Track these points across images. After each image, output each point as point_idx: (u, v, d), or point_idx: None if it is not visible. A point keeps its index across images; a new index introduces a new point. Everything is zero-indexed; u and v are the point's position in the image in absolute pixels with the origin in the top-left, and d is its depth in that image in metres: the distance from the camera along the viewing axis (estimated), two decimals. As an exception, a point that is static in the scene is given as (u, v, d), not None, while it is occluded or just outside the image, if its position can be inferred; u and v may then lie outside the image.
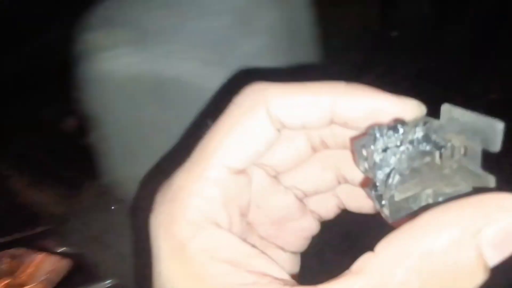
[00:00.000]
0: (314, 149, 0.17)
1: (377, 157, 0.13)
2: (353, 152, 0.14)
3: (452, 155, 0.13)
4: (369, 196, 0.14)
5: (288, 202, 0.17)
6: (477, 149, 0.12)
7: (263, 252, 0.14)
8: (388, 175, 0.13)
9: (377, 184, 0.13)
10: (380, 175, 0.13)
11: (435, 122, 0.13)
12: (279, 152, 0.16)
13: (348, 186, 0.18)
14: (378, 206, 0.13)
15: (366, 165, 0.13)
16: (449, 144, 0.13)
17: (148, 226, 0.14)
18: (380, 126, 0.13)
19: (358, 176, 0.17)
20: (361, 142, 0.13)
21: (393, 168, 0.13)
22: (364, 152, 0.13)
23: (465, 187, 0.13)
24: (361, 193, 0.17)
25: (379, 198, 0.13)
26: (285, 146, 0.16)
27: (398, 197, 0.13)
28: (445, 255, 0.10)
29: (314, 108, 0.14)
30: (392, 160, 0.13)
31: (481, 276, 0.11)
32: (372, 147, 0.13)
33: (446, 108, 0.13)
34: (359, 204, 0.18)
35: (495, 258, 0.11)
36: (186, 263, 0.12)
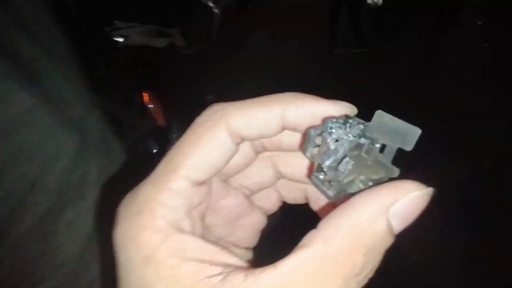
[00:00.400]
0: (257, 153, 0.19)
1: (331, 146, 0.15)
2: (304, 140, 0.16)
3: (375, 151, 0.15)
4: (315, 180, 0.16)
5: (238, 202, 0.20)
6: (394, 148, 0.15)
7: (224, 248, 0.15)
8: (340, 162, 0.15)
9: (326, 169, 0.15)
10: (329, 162, 0.15)
11: (370, 123, 0.16)
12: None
13: (285, 180, 0.21)
14: (323, 188, 0.15)
15: (315, 151, 0.15)
16: (378, 142, 0.15)
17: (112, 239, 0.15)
18: (335, 120, 0.15)
19: (291, 171, 0.20)
20: (318, 131, 0.15)
21: (345, 156, 0.15)
22: (317, 140, 0.15)
23: (385, 176, 0.16)
24: (295, 185, 0.21)
25: (329, 181, 0.15)
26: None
27: (345, 180, 0.15)
28: (366, 225, 0.14)
29: (268, 119, 0.16)
30: (341, 150, 0.15)
31: (390, 241, 0.14)
32: (328, 136, 0.15)
33: (378, 113, 0.16)
34: (294, 195, 0.21)
35: (399, 227, 0.14)
36: (159, 267, 0.14)
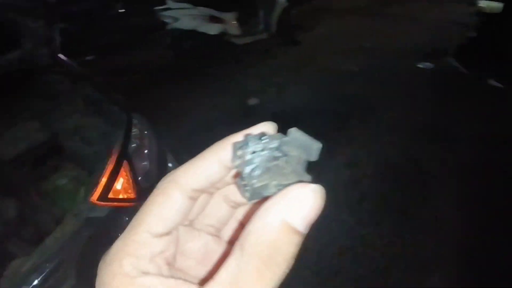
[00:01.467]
0: (211, 194, 0.22)
1: (248, 157, 0.18)
2: (232, 152, 0.19)
3: (290, 162, 0.19)
4: (237, 184, 0.19)
5: (204, 242, 0.23)
6: (304, 158, 0.19)
7: (186, 281, 0.19)
8: (253, 170, 0.18)
9: (244, 176, 0.18)
10: (247, 170, 0.18)
11: (285, 138, 0.19)
12: None
13: (242, 208, 0.24)
14: (242, 191, 0.18)
15: (238, 161, 0.19)
16: (290, 154, 0.19)
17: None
18: (252, 136, 0.19)
19: (239, 196, 0.21)
20: (238, 145, 0.19)
21: (257, 165, 0.18)
22: (239, 152, 0.18)
23: (295, 181, 0.19)
24: (252, 209, 0.23)
25: (245, 185, 0.18)
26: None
27: (256, 185, 0.18)
28: (268, 226, 0.17)
29: (211, 169, 0.20)
30: (256, 160, 0.18)
31: (296, 238, 0.17)
32: (245, 150, 0.18)
33: (291, 130, 0.19)
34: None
35: (301, 224, 0.17)
36: None
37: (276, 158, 0.18)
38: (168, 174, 0.20)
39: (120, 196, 0.99)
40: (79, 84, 1.26)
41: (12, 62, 1.09)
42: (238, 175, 0.19)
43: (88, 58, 4.36)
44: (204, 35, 3.16)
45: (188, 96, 2.85)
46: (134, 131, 1.20)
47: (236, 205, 0.23)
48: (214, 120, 2.54)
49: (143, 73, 3.35)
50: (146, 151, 1.18)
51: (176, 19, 3.13)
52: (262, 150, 0.18)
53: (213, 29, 3.26)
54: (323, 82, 2.99)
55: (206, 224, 0.23)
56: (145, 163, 1.15)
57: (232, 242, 0.23)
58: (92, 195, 0.91)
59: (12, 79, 1.12)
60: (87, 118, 1.19)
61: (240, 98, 2.81)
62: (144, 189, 1.05)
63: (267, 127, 0.21)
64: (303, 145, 0.19)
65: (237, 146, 0.19)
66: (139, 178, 1.09)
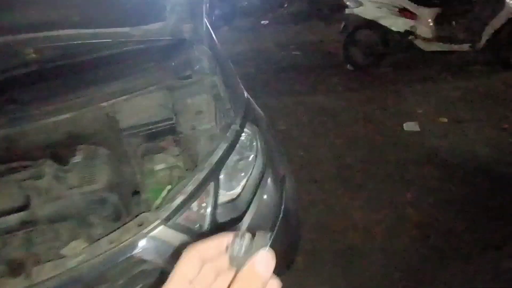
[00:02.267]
0: (217, 274, 0.31)
1: (236, 249, 0.29)
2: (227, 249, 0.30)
3: (259, 245, 0.29)
4: (231, 262, 0.29)
5: None
6: (266, 243, 0.29)
7: None
8: (239, 254, 0.29)
9: (233, 258, 0.29)
10: (235, 253, 0.29)
11: (254, 236, 0.30)
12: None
13: None
14: (233, 266, 0.29)
15: (231, 250, 0.29)
16: (258, 241, 0.29)
17: None
18: (236, 236, 0.29)
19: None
20: (230, 244, 0.29)
21: (240, 252, 0.29)
22: (231, 247, 0.29)
23: None
24: None
25: (234, 263, 0.29)
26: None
27: (240, 260, 0.28)
28: (244, 274, 0.26)
29: (212, 248, 0.30)
30: (241, 249, 0.29)
31: (261, 279, 0.26)
32: (233, 245, 0.29)
33: (257, 233, 0.30)
34: None
35: (264, 270, 0.26)
36: None
37: (250, 247, 0.29)
38: (190, 246, 0.30)
39: (188, 225, 0.83)
40: (210, 68, 1.12)
41: (152, 33, 1.03)
42: (231, 258, 0.29)
43: (263, 22, 4.44)
44: (385, 29, 2.64)
45: (333, 95, 2.50)
46: (242, 141, 1.00)
47: None
48: (353, 137, 2.13)
49: (303, 50, 3.12)
50: (243, 173, 0.97)
51: (359, 4, 2.69)
52: (243, 244, 0.29)
53: (399, 24, 2.69)
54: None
55: None
56: (237, 188, 0.95)
57: None
58: (162, 210, 0.77)
59: (149, 51, 1.07)
60: (204, 108, 1.06)
61: (398, 118, 2.27)
62: (220, 224, 0.85)
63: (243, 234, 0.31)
64: (264, 235, 0.29)
65: (230, 244, 0.29)
66: (222, 205, 0.90)
